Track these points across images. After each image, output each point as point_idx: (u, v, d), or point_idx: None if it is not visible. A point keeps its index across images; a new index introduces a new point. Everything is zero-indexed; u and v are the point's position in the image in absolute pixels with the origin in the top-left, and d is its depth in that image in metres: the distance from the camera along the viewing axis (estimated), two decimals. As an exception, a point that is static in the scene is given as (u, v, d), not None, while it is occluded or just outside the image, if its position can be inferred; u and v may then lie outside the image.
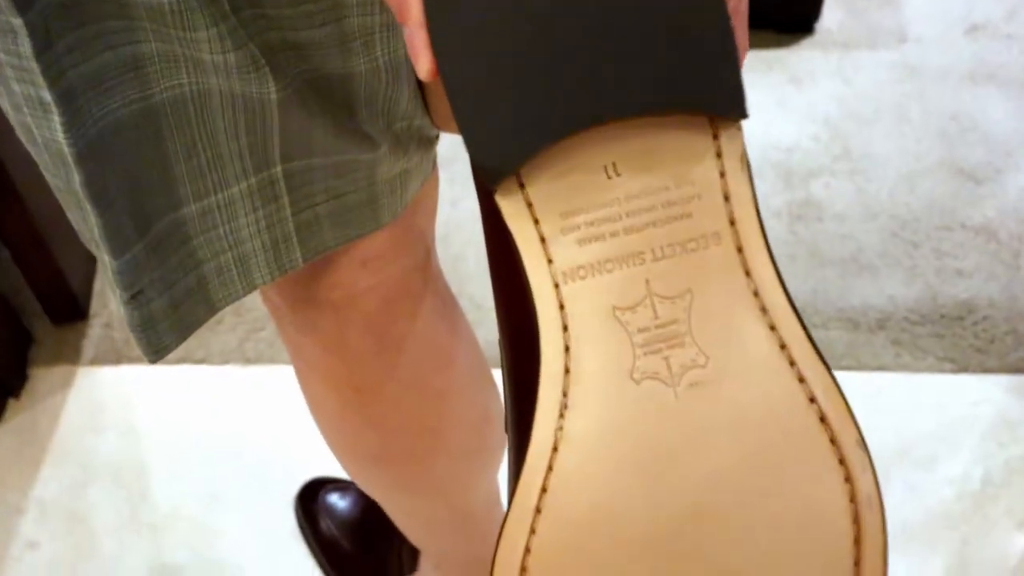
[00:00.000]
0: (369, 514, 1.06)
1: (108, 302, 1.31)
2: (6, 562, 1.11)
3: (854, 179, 1.36)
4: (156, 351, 0.51)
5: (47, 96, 0.41)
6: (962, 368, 1.19)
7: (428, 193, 0.60)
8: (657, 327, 0.35)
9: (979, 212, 1.32)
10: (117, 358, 1.26)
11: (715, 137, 0.35)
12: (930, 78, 1.48)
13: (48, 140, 0.43)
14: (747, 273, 0.35)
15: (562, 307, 0.35)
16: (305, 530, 1.09)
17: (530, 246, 0.35)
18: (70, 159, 0.42)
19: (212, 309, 0.52)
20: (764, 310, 0.34)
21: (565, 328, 0.34)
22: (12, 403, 1.23)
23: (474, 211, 1.23)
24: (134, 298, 0.48)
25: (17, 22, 0.39)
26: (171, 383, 1.24)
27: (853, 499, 0.34)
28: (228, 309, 1.28)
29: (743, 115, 0.34)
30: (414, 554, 0.99)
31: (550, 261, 0.35)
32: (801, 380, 0.34)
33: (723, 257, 0.35)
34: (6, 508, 1.15)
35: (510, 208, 0.35)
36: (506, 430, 0.38)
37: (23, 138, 0.46)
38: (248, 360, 1.26)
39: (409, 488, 0.72)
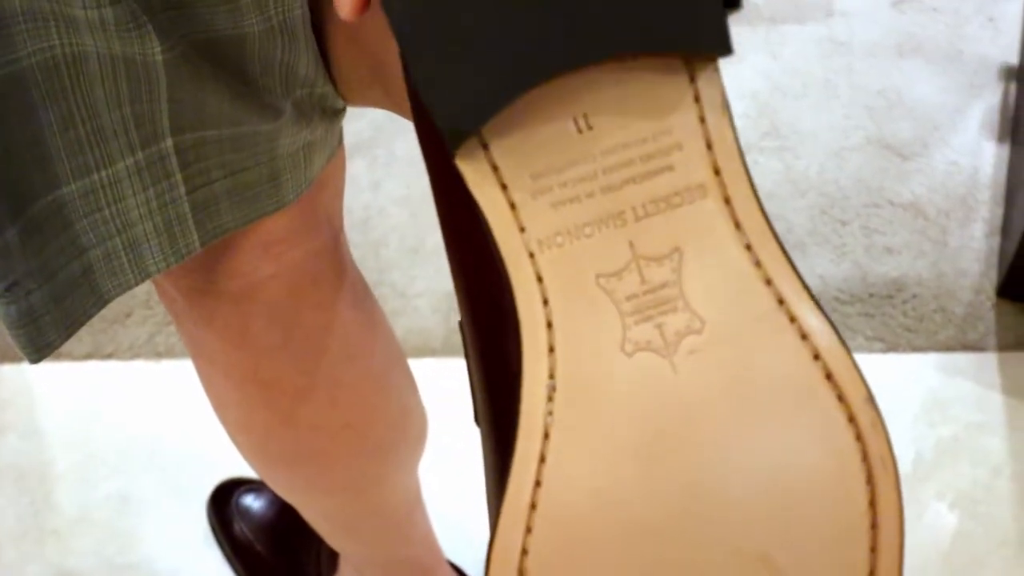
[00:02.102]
0: (284, 516, 1.02)
1: (8, 296, 1.24)
2: (-101, 576, 1.05)
3: (782, 156, 1.34)
4: (38, 349, 0.46)
5: None
6: (892, 347, 1.17)
7: (334, 172, 0.55)
8: (646, 293, 0.31)
9: (907, 188, 1.30)
10: (18, 355, 1.20)
11: (692, 80, 0.32)
12: (857, 52, 1.46)
13: None
14: (737, 225, 0.32)
15: (540, 279, 0.31)
16: (218, 534, 1.04)
17: (499, 214, 0.31)
18: None
19: (101, 300, 0.47)
20: (759, 264, 0.31)
21: (545, 302, 0.31)
22: (-94, 406, 1.16)
23: (394, 195, 1.17)
24: (9, 290, 0.44)
25: None
26: (78, 380, 1.18)
27: (865, 459, 0.32)
28: (137, 301, 1.23)
29: (728, 51, 0.31)
30: (333, 556, 0.95)
31: (522, 229, 0.31)
32: (804, 337, 0.32)
33: (711, 210, 0.32)
34: (-101, 518, 1.08)
35: (474, 173, 0.31)
36: (476, 423, 0.34)
37: None
38: (159, 354, 1.20)
39: (324, 488, 0.68)
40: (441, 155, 0.32)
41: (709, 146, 0.32)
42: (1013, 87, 1.40)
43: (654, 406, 0.31)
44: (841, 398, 0.32)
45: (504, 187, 0.32)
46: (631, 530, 0.31)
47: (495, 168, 0.32)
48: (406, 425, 0.68)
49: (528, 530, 0.31)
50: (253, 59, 0.45)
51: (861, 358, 1.14)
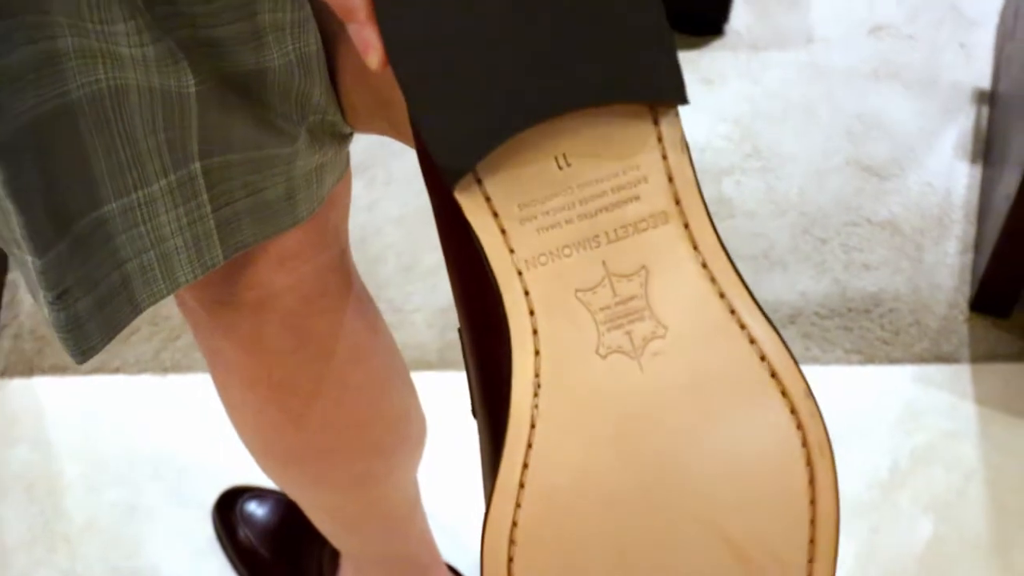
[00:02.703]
0: (287, 521, 1.06)
1: (18, 313, 1.28)
2: (-86, 581, 1.09)
3: (764, 177, 1.39)
4: (83, 352, 0.51)
5: None
6: (869, 359, 1.22)
7: (341, 192, 0.60)
8: (617, 304, 0.36)
9: (884, 207, 1.36)
10: (29, 369, 1.24)
11: (655, 123, 0.37)
12: (836, 77, 1.51)
13: None
14: (695, 247, 0.37)
15: (527, 293, 0.36)
16: (223, 539, 1.08)
17: (491, 238, 0.36)
18: None
19: (137, 309, 0.52)
20: (713, 280, 0.37)
21: (532, 312, 0.36)
22: (-81, 419, 1.20)
23: (391, 215, 1.22)
24: (60, 298, 0.48)
25: None
26: (86, 394, 1.22)
27: (805, 444, 0.37)
28: (144, 318, 1.27)
29: (683, 100, 0.36)
30: (334, 559, 0.99)
31: (511, 251, 0.36)
32: (752, 341, 0.36)
33: (672, 234, 0.37)
34: (-86, 526, 1.12)
35: (469, 203, 0.36)
36: (473, 415, 0.39)
37: None
38: (165, 369, 1.24)
39: (330, 485, 0.73)
40: (442, 185, 0.37)
41: (670, 179, 0.37)
42: (985, 111, 1.45)
43: (625, 400, 0.36)
44: (784, 393, 0.37)
45: (495, 215, 0.37)
46: (605, 503, 0.36)
47: (488, 199, 0.37)
48: (407, 426, 0.72)
49: (517, 505, 0.36)
50: (273, 89, 0.49)
51: (840, 370, 1.19)
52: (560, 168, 0.37)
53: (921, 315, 1.25)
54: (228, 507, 1.09)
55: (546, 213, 0.37)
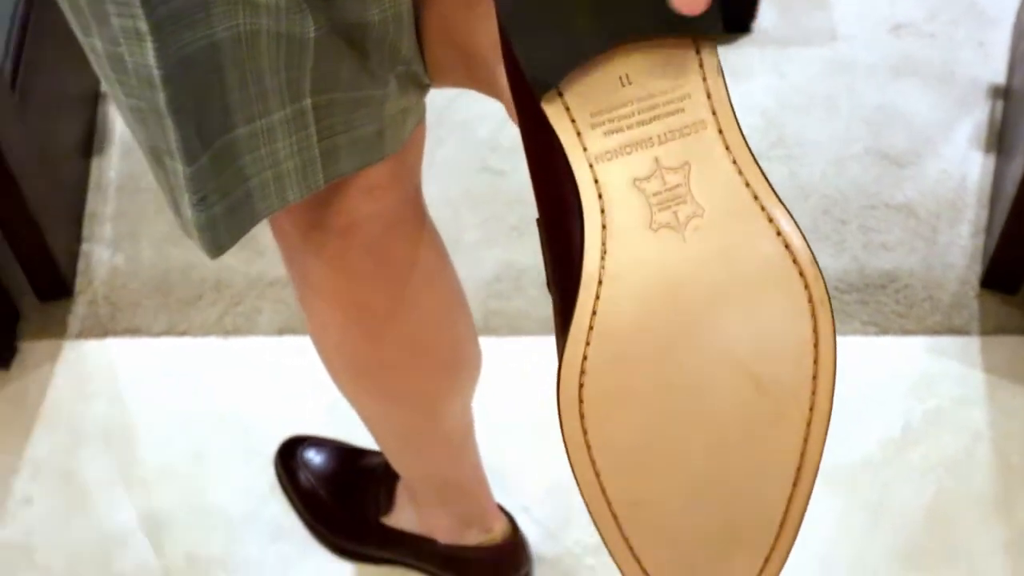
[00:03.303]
0: (344, 466, 1.16)
1: (92, 280, 1.39)
2: (3, 516, 1.19)
3: (788, 164, 1.48)
4: (217, 248, 0.60)
5: (144, 27, 0.50)
6: (884, 331, 1.30)
7: (419, 136, 0.70)
8: (666, 191, 0.46)
9: (901, 193, 1.44)
10: (103, 332, 1.34)
11: (698, 52, 0.46)
12: (858, 72, 1.60)
13: (139, 65, 0.52)
14: (727, 148, 0.46)
15: (596, 181, 0.46)
16: (285, 483, 1.18)
17: (569, 139, 0.46)
18: (157, 80, 0.52)
19: (255, 218, 0.62)
20: (741, 172, 0.46)
21: (600, 196, 0.46)
22: (2, 374, 1.30)
23: (434, 198, 1.33)
24: (200, 202, 0.58)
25: None
26: (155, 354, 1.32)
27: (811, 300, 0.46)
28: (208, 286, 1.37)
29: (720, 31, 0.45)
30: (390, 497, 1.08)
31: (585, 149, 0.46)
32: (770, 220, 0.46)
33: (709, 137, 0.46)
34: (1, 468, 1.22)
35: (552, 111, 0.46)
36: (548, 288, 0.49)
37: (109, 70, 0.55)
38: (227, 332, 1.34)
39: (398, 400, 0.82)
40: (529, 100, 0.47)
41: (708, 96, 0.47)
42: (1000, 105, 1.53)
43: (670, 264, 0.46)
44: (795, 260, 0.46)
45: (573, 120, 0.46)
46: (654, 344, 0.46)
47: (567, 108, 0.46)
48: (467, 350, 0.82)
49: (587, 344, 0.45)
50: (371, 40, 0.59)
51: (857, 340, 1.28)
52: (623, 85, 0.46)
53: (934, 291, 1.33)
54: (289, 454, 1.19)
55: (612, 120, 0.46)
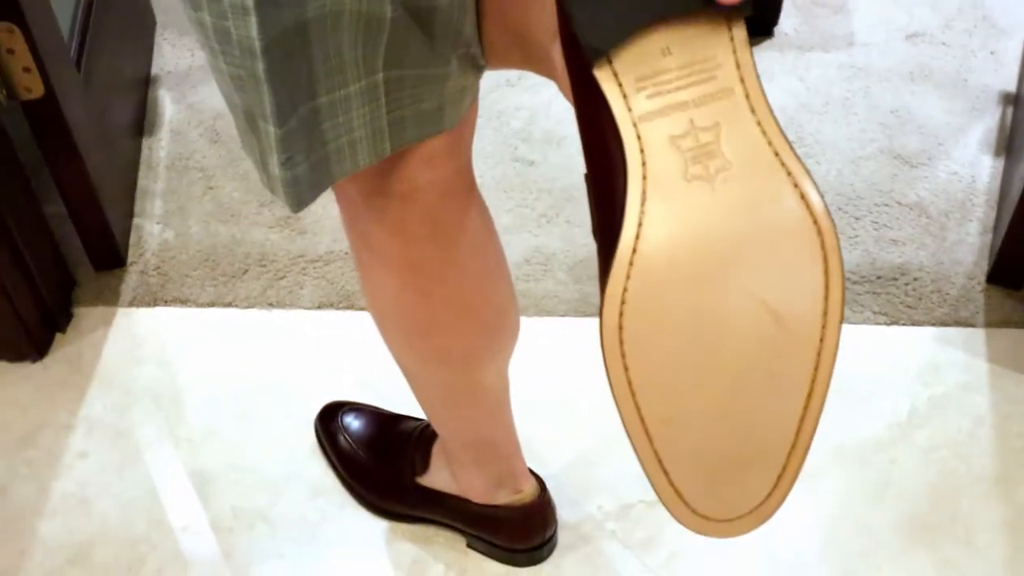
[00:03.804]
0: (382, 430, 1.23)
1: (144, 251, 1.46)
2: (60, 468, 1.26)
3: (806, 162, 1.54)
4: (299, 203, 0.68)
5: (249, 3, 0.57)
6: (894, 321, 1.37)
7: (472, 115, 0.77)
8: (699, 147, 0.53)
9: (913, 192, 1.51)
10: (153, 301, 1.42)
11: (729, 28, 0.54)
12: (874, 77, 1.67)
13: (243, 38, 0.59)
14: (752, 111, 0.54)
15: (639, 138, 0.53)
16: (324, 445, 1.25)
17: (617, 100, 0.53)
18: (258, 51, 0.59)
19: (332, 179, 0.69)
20: (764, 132, 0.53)
21: (642, 151, 0.53)
22: (59, 337, 1.38)
23: (479, 154, 1.39)
24: (287, 161, 0.65)
25: None
26: (202, 323, 1.40)
27: (823, 246, 0.53)
28: (252, 260, 1.45)
29: (749, 12, 0.53)
30: (426, 460, 1.16)
31: (630, 109, 0.53)
32: (789, 174, 0.53)
33: (737, 102, 0.53)
34: (57, 425, 1.30)
35: (603, 76, 0.53)
36: (594, 234, 0.56)
37: (215, 42, 0.62)
38: (271, 305, 1.42)
39: (444, 359, 0.90)
40: (580, 67, 0.54)
41: (738, 66, 0.54)
42: (1010, 111, 1.60)
43: (701, 209, 0.53)
44: (809, 207, 0.53)
45: (620, 84, 0.54)
46: (685, 278, 0.53)
47: (615, 74, 0.54)
48: (508, 314, 0.89)
49: (627, 277, 0.52)
50: (439, 22, 0.66)
51: (868, 329, 1.36)
52: (664, 55, 0.53)
53: (942, 284, 1.40)
54: (330, 418, 1.26)
55: (654, 85, 0.53)
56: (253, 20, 0.58)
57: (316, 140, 0.67)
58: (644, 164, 0.53)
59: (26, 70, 1.20)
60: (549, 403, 1.29)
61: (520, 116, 1.62)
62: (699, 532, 0.56)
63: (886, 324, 1.37)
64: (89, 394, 1.33)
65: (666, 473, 0.55)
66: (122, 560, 1.19)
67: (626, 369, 0.53)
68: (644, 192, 0.53)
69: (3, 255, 1.26)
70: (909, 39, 1.73)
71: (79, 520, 1.22)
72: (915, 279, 1.41)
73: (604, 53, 0.53)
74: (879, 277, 1.41)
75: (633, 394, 0.54)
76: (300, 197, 0.68)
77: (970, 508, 1.21)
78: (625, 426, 0.55)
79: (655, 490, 0.56)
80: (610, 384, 0.54)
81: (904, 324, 1.37)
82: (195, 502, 1.23)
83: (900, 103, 1.63)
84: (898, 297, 1.39)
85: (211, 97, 1.67)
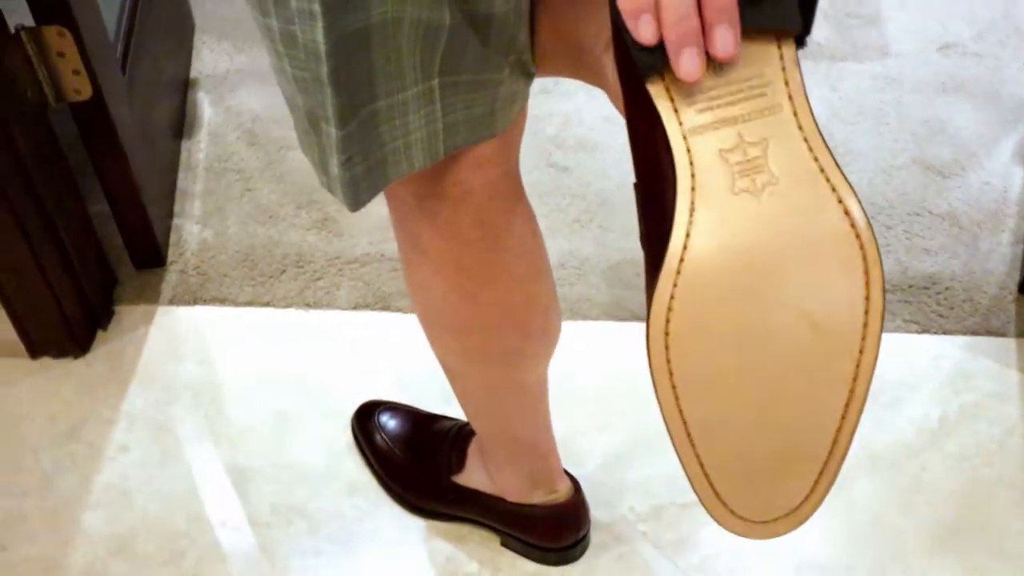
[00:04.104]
0: (418, 429, 1.25)
1: (184, 251, 1.49)
2: (102, 462, 1.29)
3: (838, 171, 1.56)
4: (356, 202, 0.70)
5: (317, 9, 0.59)
6: (925, 329, 1.38)
7: (521, 120, 0.79)
8: (747, 161, 0.54)
9: (945, 202, 1.52)
10: (193, 300, 1.45)
11: (779, 46, 0.55)
12: (907, 88, 1.68)
13: (308, 42, 0.61)
14: (799, 127, 0.55)
15: (689, 151, 0.54)
16: (361, 443, 1.27)
17: (668, 113, 0.54)
18: (323, 54, 0.61)
19: (387, 181, 0.71)
20: (810, 149, 0.54)
21: (691, 163, 0.54)
22: (101, 334, 1.41)
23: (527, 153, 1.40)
24: (347, 162, 0.67)
25: None
26: (241, 322, 1.42)
27: (865, 259, 0.54)
28: (290, 261, 1.47)
29: (798, 30, 0.54)
30: (461, 457, 1.17)
31: (680, 123, 0.54)
32: (833, 189, 0.54)
33: (785, 119, 0.54)
34: (99, 419, 1.33)
35: (655, 90, 0.54)
36: (641, 242, 0.57)
37: (281, 45, 0.64)
38: (308, 305, 1.44)
39: (487, 358, 0.91)
40: (633, 81, 0.56)
41: (786, 83, 0.55)
42: (1042, 123, 1.61)
43: (747, 221, 0.54)
44: (852, 223, 0.54)
45: (672, 99, 0.55)
46: (729, 286, 0.54)
47: (667, 88, 0.55)
48: (550, 316, 0.91)
49: (674, 285, 0.54)
50: (495, 30, 0.68)
51: (899, 337, 1.37)
52: (715, 71, 0.54)
53: (973, 294, 1.41)
54: (367, 417, 1.28)
55: (704, 100, 0.54)
56: (320, 25, 0.60)
57: (374, 142, 0.68)
58: (693, 176, 0.54)
59: (75, 72, 1.23)
60: (582, 405, 1.31)
61: (554, 122, 1.64)
62: (737, 533, 0.58)
63: (917, 332, 1.38)
64: (130, 390, 1.35)
65: (707, 475, 0.57)
66: (163, 552, 1.21)
67: (671, 373, 0.55)
68: (693, 203, 0.54)
69: (50, 254, 1.29)
70: (942, 50, 1.74)
71: (121, 512, 1.24)
72: (947, 288, 1.42)
73: (657, 69, 0.55)
74: (911, 286, 1.42)
75: (677, 397, 0.55)
76: (358, 197, 0.70)
77: (1000, 515, 1.22)
78: (668, 428, 0.56)
79: (695, 491, 0.57)
80: (654, 387, 0.56)
81: (935, 333, 1.38)
82: (234, 497, 1.26)
83: (932, 114, 1.64)
84: (929, 306, 1.40)
85: (248, 100, 1.70)
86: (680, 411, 0.56)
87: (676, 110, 0.55)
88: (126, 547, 1.22)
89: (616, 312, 1.42)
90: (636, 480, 1.26)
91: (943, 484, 1.25)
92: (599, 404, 1.33)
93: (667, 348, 0.55)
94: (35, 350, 1.38)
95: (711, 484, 0.57)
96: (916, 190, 1.54)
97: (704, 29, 0.51)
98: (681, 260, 0.54)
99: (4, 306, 1.32)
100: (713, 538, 1.21)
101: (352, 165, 0.68)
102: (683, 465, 0.57)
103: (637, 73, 0.55)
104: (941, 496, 1.24)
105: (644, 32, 0.51)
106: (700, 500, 0.57)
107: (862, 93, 1.67)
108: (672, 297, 0.54)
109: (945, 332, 1.38)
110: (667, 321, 0.54)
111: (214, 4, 1.87)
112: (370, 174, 0.69)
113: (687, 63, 0.51)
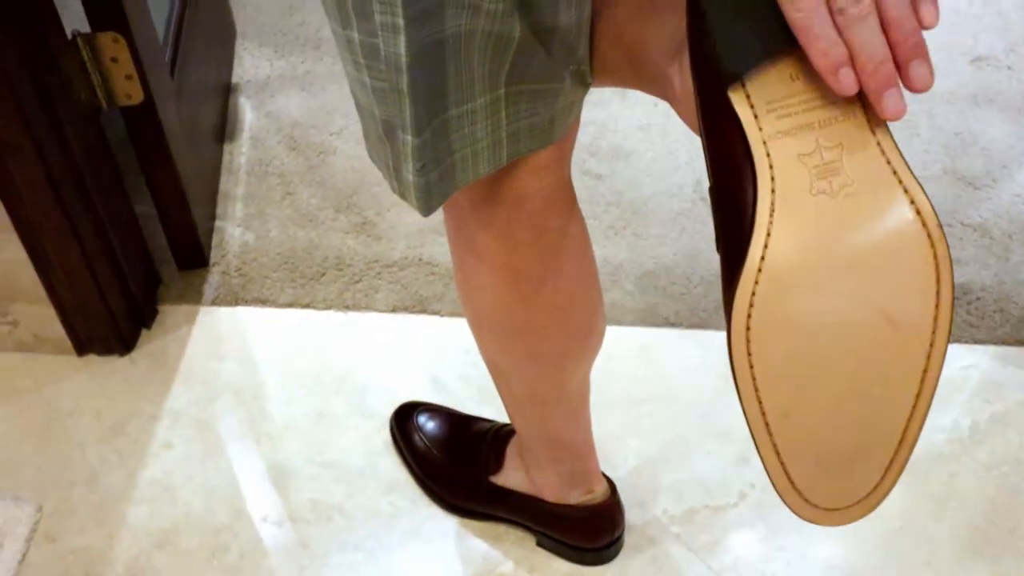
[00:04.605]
0: (456, 430, 1.27)
1: (226, 253, 1.52)
2: (147, 457, 1.32)
3: (870, 181, 1.57)
4: (429, 207, 0.73)
5: (401, 22, 0.62)
6: (956, 339, 1.40)
7: (575, 127, 0.81)
8: (824, 165, 0.57)
9: (976, 213, 1.54)
10: (235, 300, 1.48)
11: None
12: (939, 100, 1.70)
13: (390, 54, 0.64)
14: (872, 132, 0.57)
15: (768, 155, 0.57)
16: (400, 443, 1.30)
17: (749, 119, 0.57)
18: (404, 66, 0.64)
19: (456, 187, 0.74)
20: (883, 152, 0.57)
21: (771, 167, 0.57)
22: (145, 333, 1.44)
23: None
24: (421, 169, 0.70)
25: None
26: (282, 323, 1.45)
27: (935, 256, 0.56)
28: (330, 264, 1.50)
29: None
30: (499, 458, 1.20)
31: (760, 128, 0.57)
32: (906, 191, 0.57)
33: (860, 125, 0.57)
34: (144, 416, 1.36)
35: (737, 98, 0.57)
36: (717, 244, 0.60)
37: (361, 57, 0.66)
38: (347, 307, 1.47)
39: (535, 358, 0.94)
40: (712, 89, 0.59)
41: (859, 92, 0.58)
42: (1074, 136, 1.62)
43: (825, 220, 0.57)
44: (919, 212, 0.56)
45: (752, 106, 0.58)
46: (811, 283, 0.57)
47: (747, 96, 0.58)
48: (597, 318, 0.94)
49: (756, 283, 0.56)
50: (557, 41, 0.70)
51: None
52: (792, 80, 0.57)
53: (1004, 305, 1.43)
54: (405, 417, 1.30)
55: (783, 107, 0.57)
56: (402, 38, 0.63)
57: (444, 150, 0.71)
58: (773, 179, 0.57)
59: (128, 77, 1.26)
60: (616, 409, 1.33)
61: (588, 131, 1.67)
62: (810, 520, 0.60)
63: (949, 341, 1.39)
64: (174, 388, 1.39)
65: (782, 463, 0.59)
66: (206, 547, 1.24)
67: (751, 367, 0.58)
68: (773, 204, 0.57)
69: (99, 253, 1.32)
70: (974, 63, 1.75)
71: (165, 507, 1.27)
72: (977, 298, 1.43)
73: (739, 77, 0.57)
74: (942, 295, 1.44)
75: (756, 389, 0.58)
76: (430, 203, 0.72)
77: (1030, 524, 1.23)
78: (747, 419, 0.59)
79: (771, 478, 0.60)
80: (735, 379, 0.58)
81: (966, 342, 1.40)
82: (274, 494, 1.28)
83: (964, 125, 1.65)
84: (960, 316, 1.42)
85: (288, 105, 1.74)
86: (760, 402, 0.58)
87: (756, 116, 0.58)
88: (170, 541, 1.25)
89: (649, 318, 1.44)
90: (669, 483, 1.28)
91: (973, 492, 1.26)
92: (633, 408, 1.35)
93: (748, 342, 0.58)
94: (82, 347, 1.41)
95: (786, 472, 0.60)
96: (947, 201, 1.55)
97: (898, 65, 0.54)
98: (762, 259, 0.57)
99: (53, 303, 1.35)
100: (745, 541, 1.23)
101: (426, 172, 0.70)
102: (760, 454, 0.60)
103: (718, 82, 0.58)
104: (971, 503, 1.25)
105: (845, 84, 0.54)
106: (775, 487, 0.60)
107: (894, 104, 1.69)
108: (753, 294, 0.57)
109: (976, 342, 1.40)
110: (748, 316, 0.57)
111: (255, 11, 1.91)
112: (441, 181, 0.72)
113: (892, 105, 0.54)
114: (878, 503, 0.60)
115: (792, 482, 0.59)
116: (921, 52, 0.53)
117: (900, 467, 0.59)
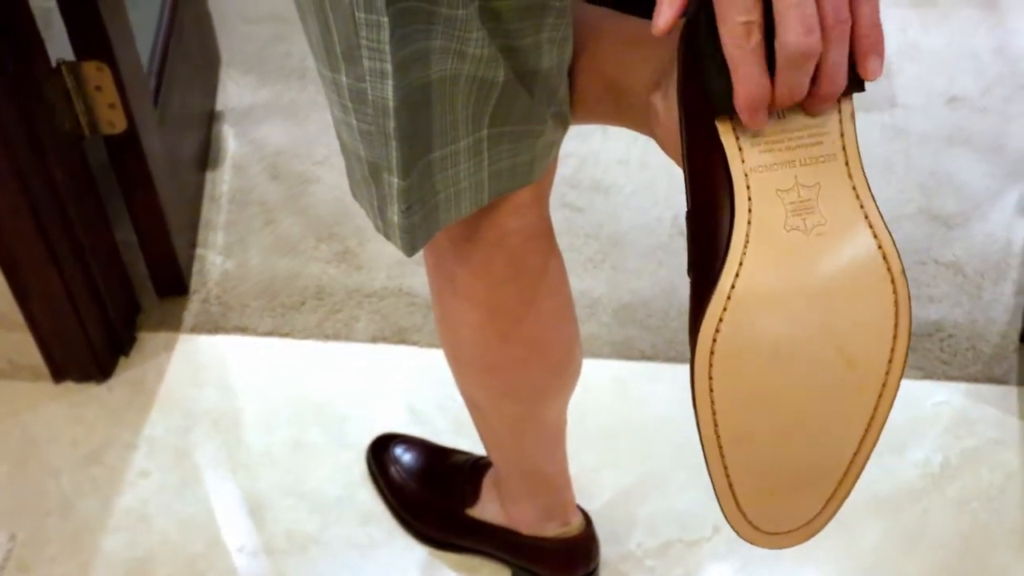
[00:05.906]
0: (433, 462, 1.28)
1: (207, 281, 1.53)
2: (123, 486, 1.32)
3: (846, 218, 1.59)
4: (413, 248, 0.74)
5: (388, 68, 0.63)
6: (929, 375, 1.41)
7: (554, 166, 0.83)
8: (800, 202, 0.58)
9: (950, 251, 1.56)
10: (214, 328, 1.48)
11: (839, 101, 0.59)
12: (914, 139, 1.72)
13: (378, 98, 0.65)
14: (849, 176, 0.59)
15: (748, 187, 0.59)
16: (376, 475, 1.30)
17: (733, 151, 0.59)
18: (391, 110, 0.65)
19: (439, 227, 0.75)
20: (857, 196, 0.59)
21: (750, 199, 0.59)
22: (123, 360, 1.44)
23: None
24: (407, 210, 0.71)
25: (384, 19, 0.61)
26: (261, 352, 1.46)
27: (895, 293, 0.58)
28: (310, 294, 1.51)
29: (861, 89, 0.58)
30: (475, 490, 1.20)
31: (743, 161, 0.59)
32: (875, 235, 0.58)
33: (838, 167, 0.59)
34: (121, 444, 1.35)
35: (724, 129, 0.59)
36: (689, 268, 0.61)
37: (348, 100, 0.67)
38: (327, 337, 1.47)
39: (512, 393, 0.95)
40: (701, 120, 0.60)
41: (842, 135, 0.60)
42: (1046, 176, 1.65)
43: (796, 256, 0.59)
44: (885, 257, 0.58)
45: (737, 138, 0.60)
46: (777, 315, 0.58)
47: (734, 129, 0.60)
48: (574, 352, 0.95)
49: (725, 309, 0.58)
50: (539, 84, 0.72)
51: (903, 383, 1.39)
52: (779, 118, 0.59)
53: (976, 342, 1.45)
54: (382, 449, 1.31)
55: (767, 142, 0.59)
56: (390, 83, 0.64)
57: (428, 191, 0.72)
58: (751, 211, 0.59)
59: (111, 106, 1.27)
60: (591, 442, 1.34)
61: (569, 164, 1.68)
62: (752, 542, 0.62)
63: (921, 378, 1.41)
64: (151, 416, 1.38)
65: (731, 486, 0.61)
66: (180, 576, 1.24)
67: (711, 390, 0.59)
68: (748, 235, 0.58)
69: (78, 280, 1.32)
70: (949, 103, 1.78)
71: (140, 536, 1.27)
72: (950, 336, 1.45)
73: (730, 111, 0.59)
74: (915, 333, 1.45)
75: (714, 413, 0.60)
76: (414, 243, 0.73)
77: (1000, 559, 1.24)
78: (702, 441, 0.60)
79: (719, 499, 0.61)
80: (694, 402, 0.60)
81: (938, 379, 1.41)
82: (251, 524, 1.28)
83: (939, 165, 1.68)
84: (933, 352, 1.44)
85: (272, 134, 1.75)
86: (715, 425, 0.60)
87: (740, 148, 0.59)
88: (145, 571, 1.24)
89: (626, 351, 1.45)
90: (644, 516, 1.29)
91: (945, 528, 1.27)
92: (608, 441, 1.36)
93: (711, 366, 0.59)
94: (59, 374, 1.41)
95: (734, 494, 0.61)
96: (922, 239, 1.58)
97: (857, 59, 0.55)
98: (732, 287, 0.58)
99: (31, 329, 1.35)
100: (719, 575, 1.24)
101: (411, 213, 0.71)
102: (711, 475, 0.61)
103: (706, 112, 0.59)
104: (943, 540, 1.27)
105: (759, 121, 0.56)
106: (722, 508, 0.62)
107: (871, 143, 1.72)
108: (721, 320, 0.58)
109: (948, 379, 1.41)
110: (714, 341, 0.59)
111: (241, 39, 1.92)
112: (425, 221, 0.73)
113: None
114: (819, 529, 0.62)
115: (738, 504, 0.61)
116: (877, 47, 0.55)
117: (842, 498, 0.61)
